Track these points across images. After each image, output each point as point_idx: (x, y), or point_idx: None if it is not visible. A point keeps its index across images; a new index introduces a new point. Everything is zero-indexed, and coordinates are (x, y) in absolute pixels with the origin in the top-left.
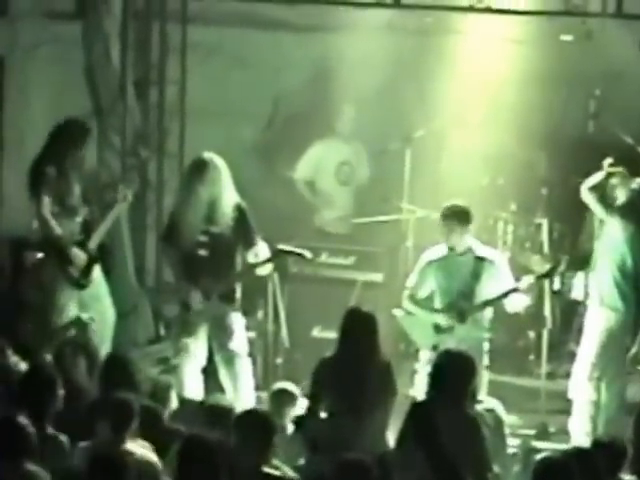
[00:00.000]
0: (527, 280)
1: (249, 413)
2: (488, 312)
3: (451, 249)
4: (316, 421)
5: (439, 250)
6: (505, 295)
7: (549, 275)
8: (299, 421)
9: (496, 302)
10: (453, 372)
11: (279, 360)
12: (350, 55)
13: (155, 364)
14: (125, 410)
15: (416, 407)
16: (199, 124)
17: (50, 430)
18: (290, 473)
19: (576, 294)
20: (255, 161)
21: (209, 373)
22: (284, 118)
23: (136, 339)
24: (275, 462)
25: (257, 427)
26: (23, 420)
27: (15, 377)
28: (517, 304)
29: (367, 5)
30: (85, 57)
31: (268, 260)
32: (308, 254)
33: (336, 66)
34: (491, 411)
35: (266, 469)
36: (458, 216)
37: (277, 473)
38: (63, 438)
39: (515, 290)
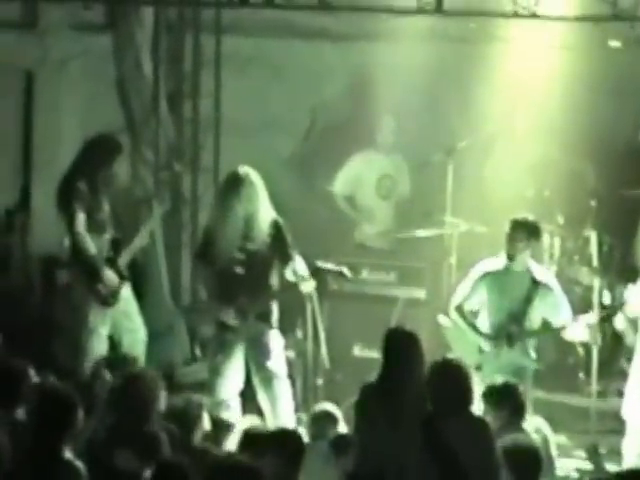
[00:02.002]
0: (589, 318)
1: (280, 433)
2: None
3: (509, 265)
4: (359, 450)
5: (497, 263)
6: (557, 330)
7: (612, 314)
8: (339, 443)
9: (546, 333)
10: (444, 380)
11: (319, 381)
12: (391, 64)
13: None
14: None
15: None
16: (234, 137)
17: (67, 455)
18: None
19: (627, 309)
20: (292, 175)
21: (247, 395)
22: (322, 130)
23: (172, 360)
24: None
25: (288, 447)
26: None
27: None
28: (574, 335)
29: (408, 12)
30: (116, 70)
31: (309, 277)
32: (347, 272)
33: (376, 75)
34: (538, 431)
35: None
36: (532, 231)
37: None
38: (79, 464)
39: (573, 322)
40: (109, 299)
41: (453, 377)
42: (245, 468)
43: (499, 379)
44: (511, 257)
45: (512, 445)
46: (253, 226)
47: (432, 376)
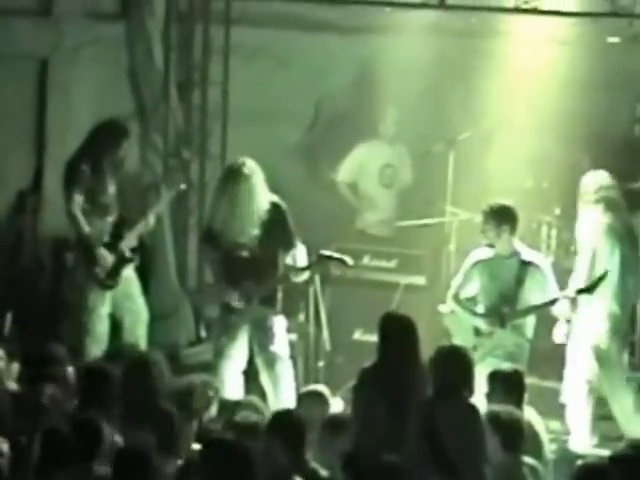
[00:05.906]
0: (568, 293)
1: (282, 414)
2: (531, 318)
3: (496, 251)
4: (356, 432)
5: (487, 251)
6: (546, 305)
7: (592, 289)
8: (333, 425)
9: (537, 311)
10: (443, 365)
11: (320, 363)
12: (395, 57)
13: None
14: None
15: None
16: (241, 126)
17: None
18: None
19: None
20: (298, 163)
21: (250, 376)
22: (327, 120)
23: (177, 341)
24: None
25: (288, 428)
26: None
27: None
28: (560, 311)
29: (412, 6)
30: (128, 58)
31: (310, 266)
32: (349, 260)
33: (380, 68)
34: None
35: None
36: (500, 216)
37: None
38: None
39: (556, 301)
40: (106, 281)
41: (455, 363)
42: (235, 447)
43: (507, 365)
44: (490, 246)
45: (498, 411)
46: (253, 213)
47: (435, 360)
